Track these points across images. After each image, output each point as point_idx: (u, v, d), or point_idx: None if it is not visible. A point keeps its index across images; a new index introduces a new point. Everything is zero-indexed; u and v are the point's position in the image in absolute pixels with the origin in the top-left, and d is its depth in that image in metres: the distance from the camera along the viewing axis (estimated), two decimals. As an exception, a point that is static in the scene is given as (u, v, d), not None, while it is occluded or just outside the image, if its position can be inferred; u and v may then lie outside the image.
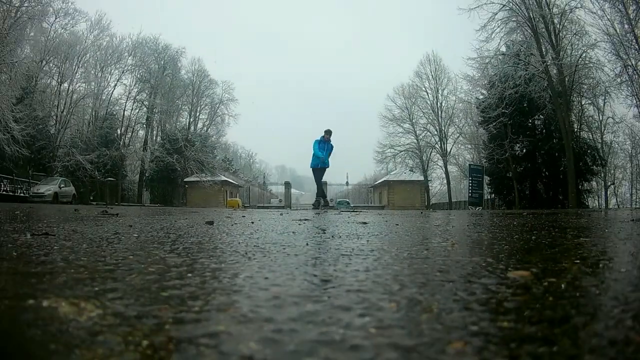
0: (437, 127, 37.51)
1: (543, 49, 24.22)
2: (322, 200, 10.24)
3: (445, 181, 38.07)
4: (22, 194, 23.61)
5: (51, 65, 33.03)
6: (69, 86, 33.92)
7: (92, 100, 35.69)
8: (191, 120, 41.62)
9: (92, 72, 35.50)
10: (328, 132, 10.23)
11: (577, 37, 24.05)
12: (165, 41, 39.35)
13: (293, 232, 1.85)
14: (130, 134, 38.71)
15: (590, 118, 27.65)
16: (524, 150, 27.20)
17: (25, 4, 24.87)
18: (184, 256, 1.05)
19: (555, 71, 24.15)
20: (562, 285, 0.68)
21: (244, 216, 3.98)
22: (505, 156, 26.52)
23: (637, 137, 30.56)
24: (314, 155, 10.07)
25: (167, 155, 36.83)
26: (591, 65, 24.41)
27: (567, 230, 1.80)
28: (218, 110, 41.44)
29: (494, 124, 26.52)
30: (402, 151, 36.87)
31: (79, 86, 35.03)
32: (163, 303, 0.58)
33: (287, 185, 39.71)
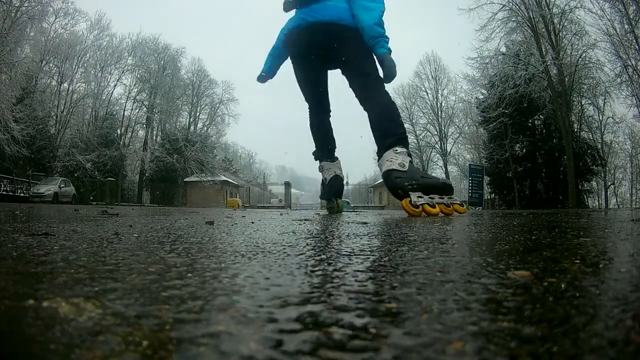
0: (437, 127, 37.58)
1: (543, 49, 24.25)
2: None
3: (445, 181, 38.01)
4: (22, 194, 23.63)
5: (51, 65, 33.11)
6: (69, 86, 34.01)
7: (92, 100, 35.76)
8: (191, 120, 41.70)
9: (92, 72, 35.61)
10: None
11: (577, 37, 24.08)
12: (165, 41, 39.38)
13: (293, 232, 1.85)
14: (130, 134, 38.80)
15: (590, 118, 27.69)
16: (524, 150, 27.23)
17: (25, 4, 24.90)
18: (184, 256, 1.05)
19: (555, 71, 24.19)
20: (562, 285, 0.68)
21: (244, 216, 3.98)
22: (505, 156, 26.55)
23: (637, 137, 30.58)
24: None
25: (167, 155, 36.88)
26: (591, 65, 24.45)
27: (567, 230, 1.80)
28: (218, 110, 41.51)
29: (494, 124, 26.55)
30: (402, 151, 36.77)
31: (79, 86, 35.18)
32: (163, 303, 0.58)
33: (287, 185, 39.80)
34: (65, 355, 0.40)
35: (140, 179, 38.32)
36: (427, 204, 3.50)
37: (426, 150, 37.71)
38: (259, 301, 0.60)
